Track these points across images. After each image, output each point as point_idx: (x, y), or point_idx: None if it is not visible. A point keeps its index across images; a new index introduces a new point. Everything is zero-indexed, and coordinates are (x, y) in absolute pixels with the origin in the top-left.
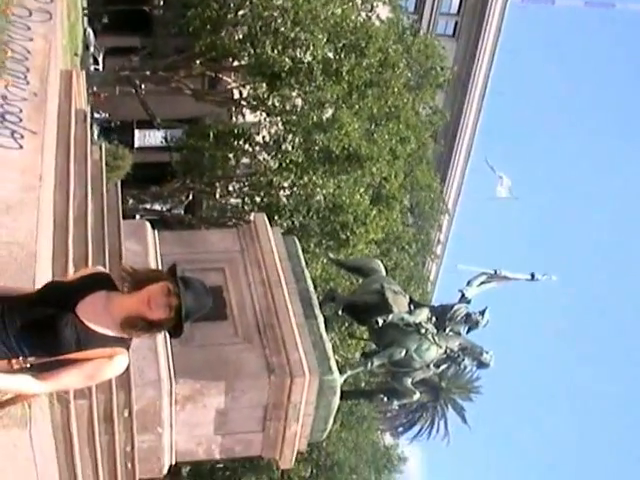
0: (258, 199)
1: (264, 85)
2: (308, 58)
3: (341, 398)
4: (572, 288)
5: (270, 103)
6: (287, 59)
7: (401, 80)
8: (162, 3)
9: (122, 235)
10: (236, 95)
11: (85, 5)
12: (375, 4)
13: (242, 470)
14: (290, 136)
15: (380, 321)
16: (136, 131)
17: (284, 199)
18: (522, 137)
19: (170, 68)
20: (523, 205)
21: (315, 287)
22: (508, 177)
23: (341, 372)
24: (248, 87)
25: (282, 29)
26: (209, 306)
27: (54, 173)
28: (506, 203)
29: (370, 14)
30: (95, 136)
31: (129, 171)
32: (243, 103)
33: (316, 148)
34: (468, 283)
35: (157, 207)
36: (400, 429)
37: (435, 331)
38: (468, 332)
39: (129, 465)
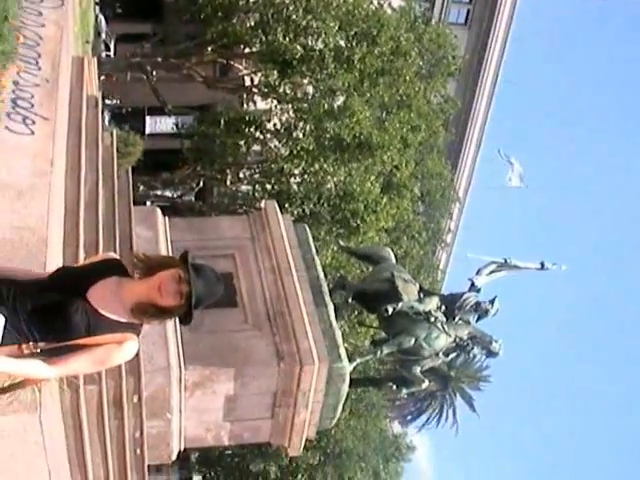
0: (269, 186)
1: (275, 72)
2: (320, 46)
3: (350, 386)
4: (580, 278)
5: (281, 90)
6: (299, 47)
7: (412, 69)
8: None
9: (133, 221)
10: (247, 82)
11: None
12: None
13: (250, 456)
14: (301, 124)
15: (390, 309)
16: (147, 118)
17: (295, 186)
18: (533, 126)
19: (181, 55)
20: (533, 194)
21: (325, 275)
22: (520, 165)
23: (350, 360)
24: (259, 74)
25: (294, 16)
26: (220, 294)
27: (65, 159)
28: (516, 192)
29: (382, 2)
30: (106, 122)
31: (140, 157)
32: (254, 90)
33: (327, 136)
34: (478, 272)
35: (168, 194)
36: (409, 417)
37: (444, 320)
38: (477, 321)
39: (138, 451)
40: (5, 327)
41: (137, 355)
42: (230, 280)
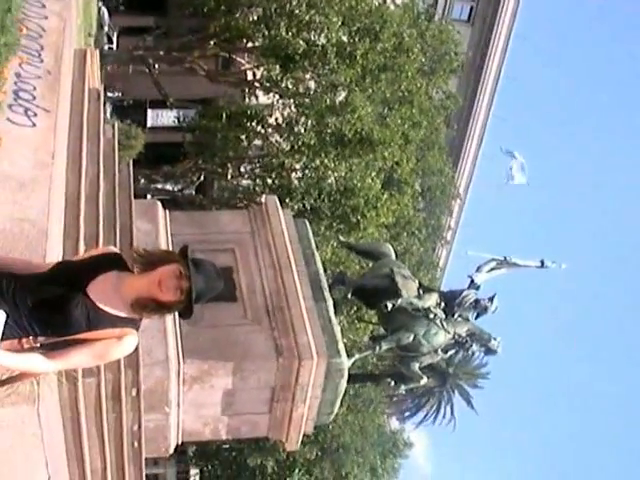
0: (269, 181)
1: (278, 67)
2: (322, 41)
3: (348, 381)
4: (580, 277)
5: (283, 85)
6: (301, 41)
7: (415, 65)
8: None
9: (133, 214)
10: (249, 76)
11: None
12: None
13: (248, 451)
14: (303, 119)
15: (389, 305)
16: (149, 111)
17: (295, 181)
18: (534, 123)
19: (184, 48)
20: (534, 192)
21: (325, 270)
22: (523, 160)
23: (349, 355)
24: (262, 69)
25: (297, 11)
26: (220, 289)
27: (67, 151)
28: (517, 189)
29: None
30: (108, 115)
31: (141, 150)
32: (256, 84)
33: (328, 131)
34: (477, 269)
35: (168, 187)
36: (406, 413)
37: (444, 316)
38: (477, 318)
39: (136, 444)
40: (6, 322)
41: (136, 349)
42: (230, 274)
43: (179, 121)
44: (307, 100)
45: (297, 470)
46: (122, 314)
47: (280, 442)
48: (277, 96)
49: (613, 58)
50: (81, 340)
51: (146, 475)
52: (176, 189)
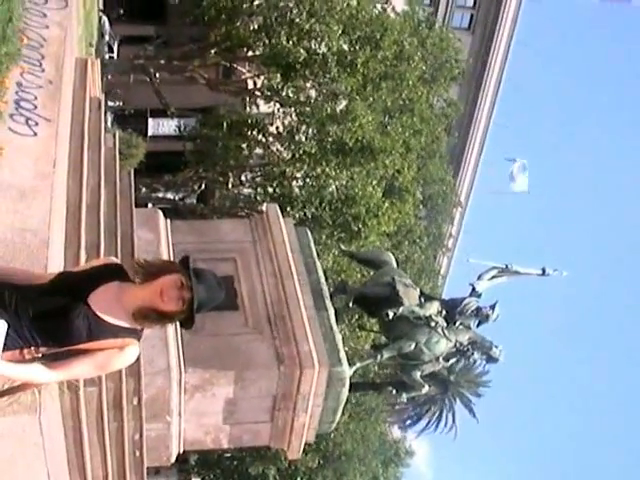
0: (271, 189)
1: (278, 76)
2: (323, 49)
3: (350, 390)
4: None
5: (284, 94)
6: (302, 50)
7: (416, 73)
8: None
9: (134, 223)
10: (250, 85)
11: None
12: None
13: (249, 460)
14: (304, 127)
15: (390, 314)
16: (150, 120)
17: (297, 190)
18: (535, 130)
19: (185, 57)
20: (535, 199)
21: (326, 279)
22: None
23: (350, 364)
24: (262, 77)
25: (297, 20)
26: (221, 299)
27: (68, 161)
28: (518, 197)
29: (386, 6)
30: (109, 124)
31: (142, 159)
32: (257, 93)
33: (329, 140)
34: (479, 277)
35: (170, 196)
36: (408, 422)
37: (445, 324)
38: (478, 326)
39: (137, 453)
40: (7, 333)
41: (137, 358)
42: (231, 283)
43: (180, 130)
44: (308, 109)
45: (299, 478)
46: (124, 324)
47: (282, 451)
48: (278, 105)
49: (616, 65)
50: (83, 350)
51: None
52: (177, 198)
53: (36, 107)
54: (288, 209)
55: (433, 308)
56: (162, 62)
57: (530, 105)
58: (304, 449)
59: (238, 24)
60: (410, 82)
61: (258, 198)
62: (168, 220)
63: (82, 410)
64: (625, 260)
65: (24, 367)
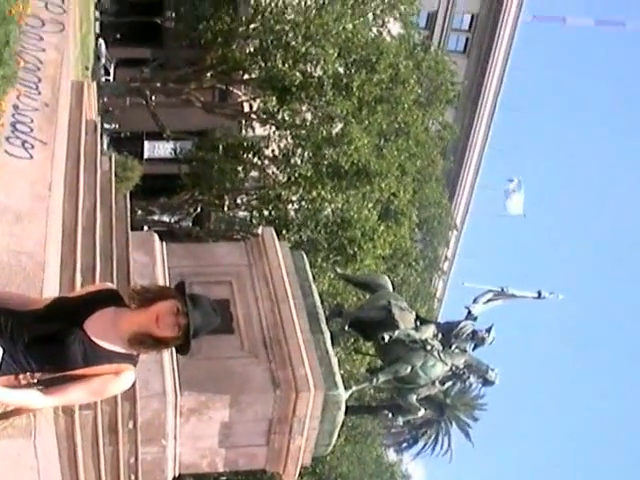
0: (266, 212)
1: (274, 99)
2: (319, 73)
3: (346, 413)
4: (577, 307)
5: (280, 117)
6: (298, 73)
7: (411, 96)
8: (174, 15)
9: (130, 246)
10: (246, 108)
11: (97, 16)
12: (387, 20)
13: None
14: (299, 150)
15: (386, 337)
16: (146, 142)
17: (292, 213)
18: (531, 154)
19: (181, 80)
20: (531, 222)
21: (322, 302)
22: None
23: (346, 387)
24: (258, 100)
25: (293, 43)
26: (216, 325)
27: (64, 183)
28: (514, 220)
29: (381, 30)
30: (105, 147)
31: (138, 182)
32: (253, 116)
33: (325, 163)
34: (474, 300)
35: (165, 219)
36: (404, 445)
37: (441, 348)
38: (474, 349)
39: (132, 477)
40: (3, 358)
41: (133, 384)
42: (227, 307)
43: (176, 153)
44: (304, 132)
45: None
46: (119, 350)
47: (278, 474)
48: (273, 128)
49: (610, 87)
50: (78, 376)
51: None
52: (173, 221)
53: (32, 130)
54: (284, 232)
55: (429, 331)
56: (158, 85)
57: (526, 128)
58: (300, 472)
59: (234, 47)
60: (406, 105)
61: (254, 221)
62: (164, 243)
63: (77, 434)
64: (621, 283)
65: (19, 392)
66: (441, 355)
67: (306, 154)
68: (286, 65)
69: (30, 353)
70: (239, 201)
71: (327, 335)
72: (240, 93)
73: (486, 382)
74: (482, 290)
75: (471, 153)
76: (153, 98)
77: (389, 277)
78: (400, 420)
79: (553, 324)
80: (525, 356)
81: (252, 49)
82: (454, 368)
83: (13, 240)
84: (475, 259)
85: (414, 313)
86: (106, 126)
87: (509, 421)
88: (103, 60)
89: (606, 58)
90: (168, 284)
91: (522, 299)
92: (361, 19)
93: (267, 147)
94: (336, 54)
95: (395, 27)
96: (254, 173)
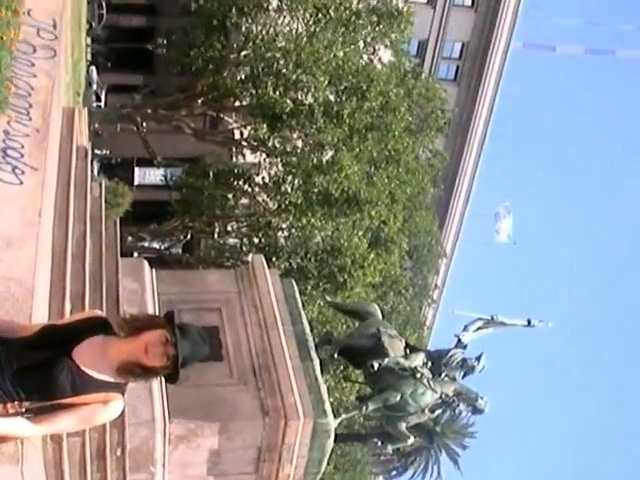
0: (256, 240)
1: (265, 126)
2: (309, 100)
3: (335, 441)
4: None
5: (270, 144)
6: (288, 100)
7: (402, 124)
8: (165, 42)
9: (120, 273)
10: (237, 135)
11: (89, 43)
12: (377, 47)
13: None
14: (290, 177)
15: (376, 365)
16: (136, 169)
17: (282, 240)
18: (521, 182)
19: (172, 107)
20: (520, 250)
21: (312, 329)
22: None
23: (336, 415)
24: (249, 128)
25: (284, 71)
26: (205, 354)
27: (54, 209)
28: (504, 247)
29: (372, 57)
30: (95, 173)
31: (128, 209)
32: (244, 143)
33: (315, 190)
34: (464, 328)
35: (155, 245)
36: (393, 473)
37: (430, 376)
38: (464, 377)
39: None
40: None
41: (122, 412)
42: (216, 334)
43: (166, 179)
44: (294, 159)
45: None
46: (108, 378)
47: None
48: (264, 155)
49: (600, 115)
50: (67, 404)
51: None
52: (163, 247)
53: (23, 155)
54: (274, 259)
55: (418, 359)
56: (149, 111)
57: (516, 156)
58: None
59: (225, 74)
60: (396, 133)
61: (244, 248)
62: (153, 270)
63: (65, 461)
64: (611, 310)
65: (7, 421)
66: (431, 383)
67: (296, 181)
68: (277, 92)
69: (18, 382)
70: (229, 228)
71: (316, 362)
72: (231, 120)
73: (475, 410)
74: (472, 318)
75: (461, 181)
76: (144, 124)
77: (379, 305)
78: (389, 448)
79: (543, 352)
80: (515, 384)
81: (243, 76)
82: (444, 396)
83: (2, 266)
84: (465, 287)
85: (404, 341)
86: (97, 152)
87: (498, 450)
88: (94, 86)
89: (596, 86)
90: (158, 311)
91: (512, 327)
92: (352, 47)
93: (257, 174)
94: (327, 82)
95: (386, 55)
96: (244, 200)
